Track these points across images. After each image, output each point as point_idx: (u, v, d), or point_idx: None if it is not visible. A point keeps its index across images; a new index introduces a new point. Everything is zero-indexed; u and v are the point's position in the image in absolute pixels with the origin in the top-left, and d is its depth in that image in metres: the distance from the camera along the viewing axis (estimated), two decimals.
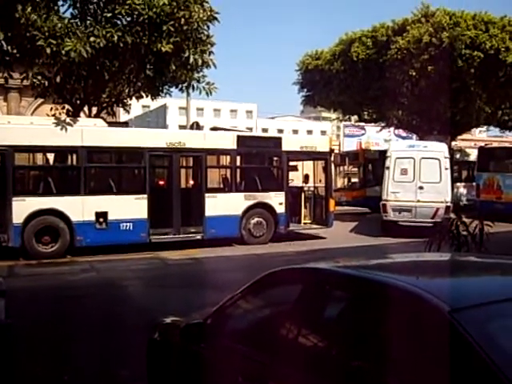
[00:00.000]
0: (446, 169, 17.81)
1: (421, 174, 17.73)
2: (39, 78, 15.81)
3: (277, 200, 16.51)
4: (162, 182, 17.24)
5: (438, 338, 2.67)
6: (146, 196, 14.77)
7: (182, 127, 40.96)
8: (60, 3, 14.42)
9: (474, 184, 24.61)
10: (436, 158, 17.84)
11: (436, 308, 2.69)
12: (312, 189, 18.49)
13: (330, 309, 3.55)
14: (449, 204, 17.43)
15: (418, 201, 17.56)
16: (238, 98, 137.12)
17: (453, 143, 28.10)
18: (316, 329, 3.44)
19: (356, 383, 2.90)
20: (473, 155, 27.26)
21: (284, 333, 3.49)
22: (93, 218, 14.15)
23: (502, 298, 2.85)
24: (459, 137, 31.21)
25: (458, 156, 27.93)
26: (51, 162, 15.59)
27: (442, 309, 2.66)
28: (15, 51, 14.21)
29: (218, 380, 3.79)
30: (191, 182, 17.57)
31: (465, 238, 8.69)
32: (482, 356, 2.42)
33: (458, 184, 26.08)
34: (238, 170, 16.74)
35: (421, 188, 17.63)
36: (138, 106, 40.97)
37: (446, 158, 18.00)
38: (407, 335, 2.82)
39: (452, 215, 13.38)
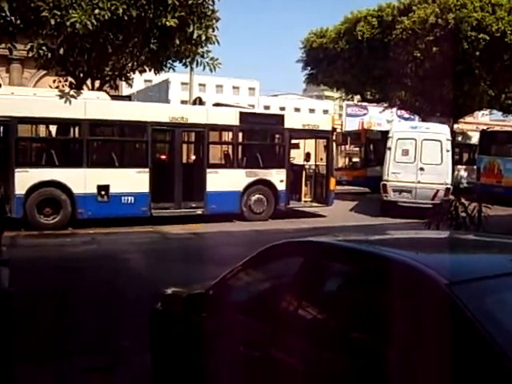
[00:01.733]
0: (448, 151, 17.81)
1: (422, 156, 17.74)
2: (44, 48, 15.73)
3: (278, 177, 16.57)
4: (163, 157, 17.28)
5: (435, 310, 2.75)
6: (147, 170, 14.83)
7: (183, 102, 40.73)
8: None
9: (475, 167, 24.64)
10: (438, 140, 17.84)
11: (434, 281, 2.76)
12: (313, 167, 18.52)
13: (330, 281, 3.63)
14: (449, 186, 17.48)
15: (419, 182, 17.60)
16: (241, 74, 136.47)
17: (455, 126, 28.04)
18: (316, 301, 3.52)
19: (355, 354, 2.97)
20: (474, 138, 27.25)
21: (285, 304, 3.57)
22: (94, 190, 14.21)
23: (498, 272, 2.93)
24: (461, 119, 31.12)
25: (459, 138, 27.89)
26: (54, 134, 15.61)
27: (439, 282, 2.73)
28: (19, 22, 14.13)
29: (220, 349, 3.88)
30: (193, 158, 17.59)
31: (463, 220, 8.80)
32: (478, 327, 2.50)
33: (459, 166, 26.07)
34: (240, 147, 16.76)
35: (421, 169, 17.66)
36: (140, 81, 40.70)
37: (447, 140, 18.00)
38: (405, 307, 2.90)
39: (452, 197, 13.45)
